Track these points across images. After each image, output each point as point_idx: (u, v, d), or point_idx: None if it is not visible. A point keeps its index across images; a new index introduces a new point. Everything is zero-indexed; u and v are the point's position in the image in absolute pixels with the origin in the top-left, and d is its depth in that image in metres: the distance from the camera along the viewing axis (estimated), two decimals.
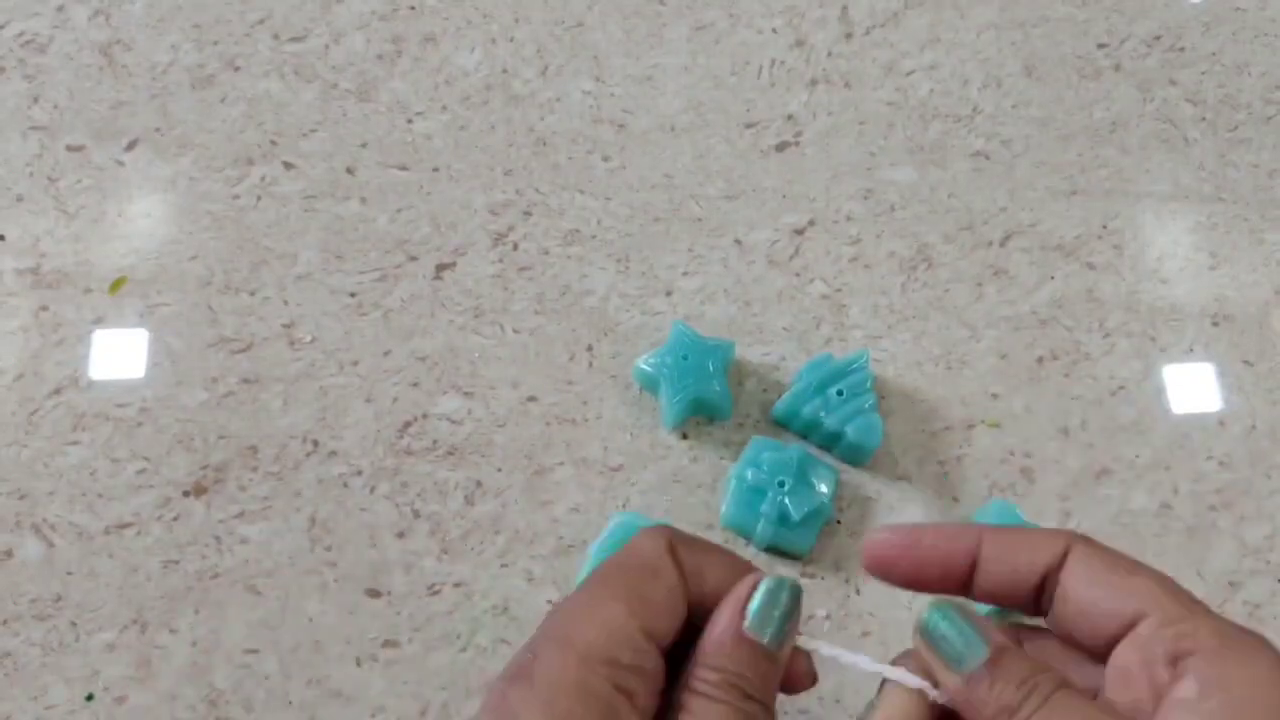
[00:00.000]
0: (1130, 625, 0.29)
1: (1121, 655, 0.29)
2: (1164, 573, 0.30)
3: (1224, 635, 0.28)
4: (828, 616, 0.48)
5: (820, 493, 0.48)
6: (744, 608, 0.31)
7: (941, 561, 0.32)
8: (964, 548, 0.31)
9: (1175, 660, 0.28)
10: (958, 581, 0.32)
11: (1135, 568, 0.30)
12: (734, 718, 0.30)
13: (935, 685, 0.31)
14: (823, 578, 0.49)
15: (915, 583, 0.32)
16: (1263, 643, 0.28)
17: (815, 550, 0.49)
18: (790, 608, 0.31)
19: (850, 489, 0.51)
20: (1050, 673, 0.29)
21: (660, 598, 0.30)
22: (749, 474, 0.48)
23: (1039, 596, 0.31)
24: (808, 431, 0.51)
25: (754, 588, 0.31)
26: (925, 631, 0.30)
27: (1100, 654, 0.30)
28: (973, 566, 0.32)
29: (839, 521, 0.50)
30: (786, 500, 0.47)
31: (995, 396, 0.53)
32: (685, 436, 0.51)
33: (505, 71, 0.58)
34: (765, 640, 0.31)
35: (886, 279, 0.55)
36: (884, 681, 0.32)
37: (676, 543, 0.32)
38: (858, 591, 0.49)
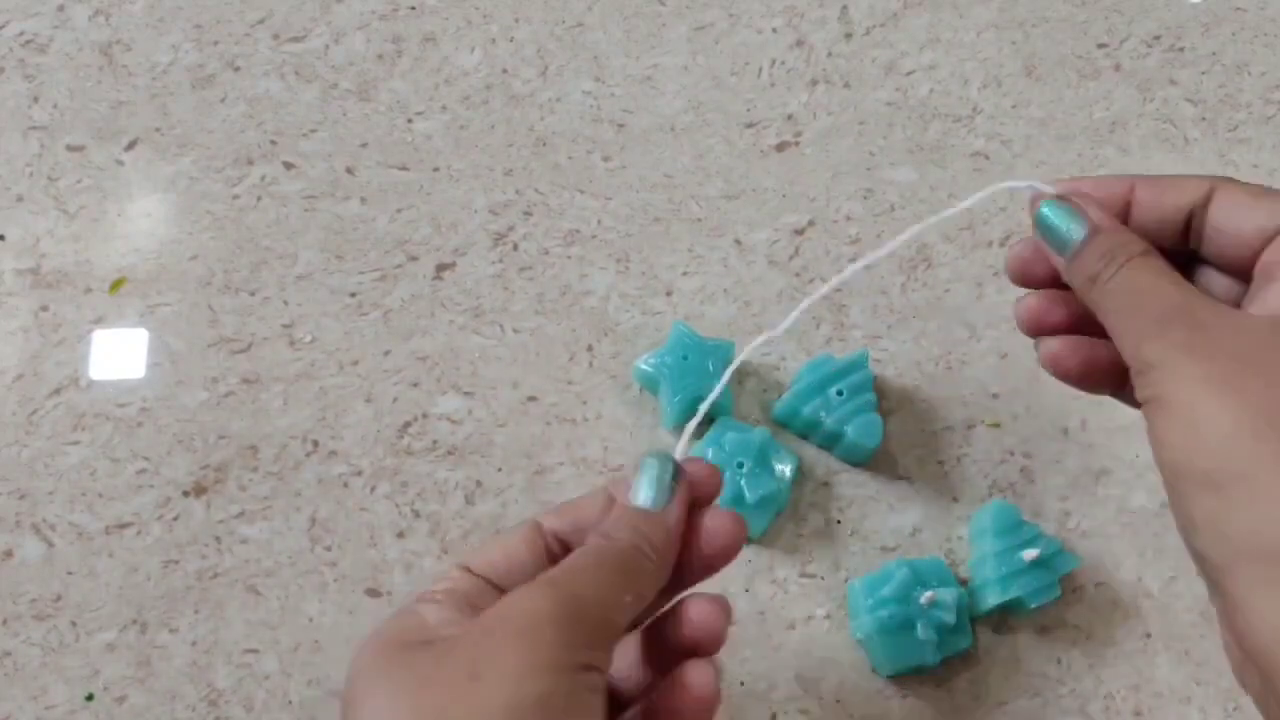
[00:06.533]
0: (1273, 235, 0.31)
1: (1265, 259, 0.31)
2: None
3: None
4: (828, 616, 0.48)
5: (778, 478, 0.48)
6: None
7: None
8: (1119, 194, 0.33)
9: None
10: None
11: (1276, 193, 0.32)
12: (593, 553, 0.31)
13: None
14: (823, 578, 0.49)
15: None
16: None
17: (813, 550, 0.49)
18: (657, 474, 0.32)
19: (850, 489, 0.51)
20: (1132, 244, 0.31)
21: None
22: (709, 453, 0.48)
23: (1187, 233, 0.33)
24: (808, 431, 0.51)
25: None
26: (1038, 224, 0.33)
27: (1250, 272, 0.32)
28: (1127, 212, 0.33)
29: (839, 521, 0.50)
30: (743, 482, 0.47)
31: (995, 396, 0.53)
32: None
33: (505, 71, 0.58)
34: (639, 500, 0.32)
35: (886, 279, 0.55)
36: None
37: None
38: None
